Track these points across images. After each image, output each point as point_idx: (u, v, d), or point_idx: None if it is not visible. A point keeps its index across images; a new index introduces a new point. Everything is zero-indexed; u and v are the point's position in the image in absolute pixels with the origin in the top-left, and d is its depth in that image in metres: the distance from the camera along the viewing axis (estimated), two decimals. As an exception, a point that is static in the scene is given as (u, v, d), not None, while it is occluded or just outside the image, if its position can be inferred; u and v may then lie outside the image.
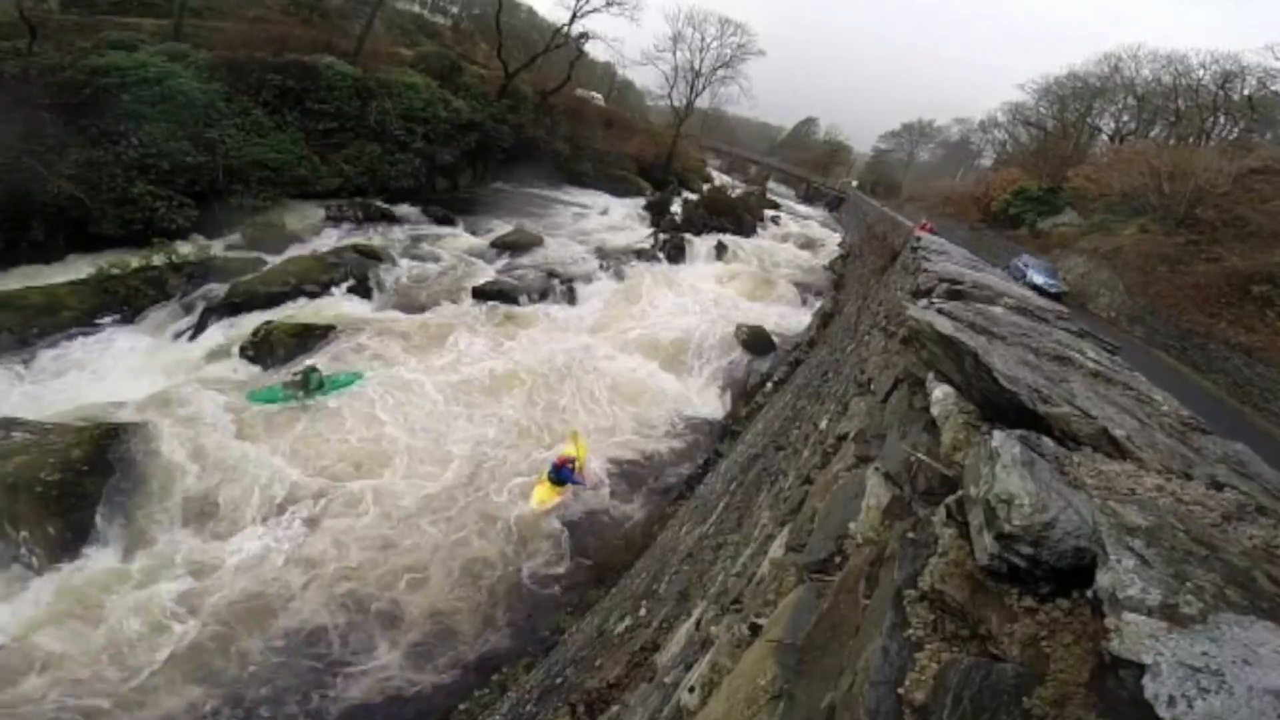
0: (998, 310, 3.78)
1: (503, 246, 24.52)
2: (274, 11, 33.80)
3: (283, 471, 11.28)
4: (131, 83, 20.56)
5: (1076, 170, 32.58)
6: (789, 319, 22.38)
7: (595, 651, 6.43)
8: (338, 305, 17.40)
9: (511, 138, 35.42)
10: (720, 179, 62.39)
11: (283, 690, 8.13)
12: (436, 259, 22.16)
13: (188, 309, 16.08)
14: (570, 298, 21.08)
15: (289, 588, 9.39)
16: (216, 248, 19.33)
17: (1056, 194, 34.69)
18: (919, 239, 16.57)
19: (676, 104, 55.51)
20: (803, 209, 61.41)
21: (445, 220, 26.74)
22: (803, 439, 6.09)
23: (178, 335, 15.38)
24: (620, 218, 35.45)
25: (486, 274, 21.62)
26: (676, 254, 27.86)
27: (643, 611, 6.30)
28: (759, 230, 38.33)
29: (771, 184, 74.60)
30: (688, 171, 54.70)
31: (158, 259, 17.11)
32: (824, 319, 19.92)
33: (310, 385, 13.00)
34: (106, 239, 17.87)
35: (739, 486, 7.59)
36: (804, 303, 24.49)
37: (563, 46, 42.37)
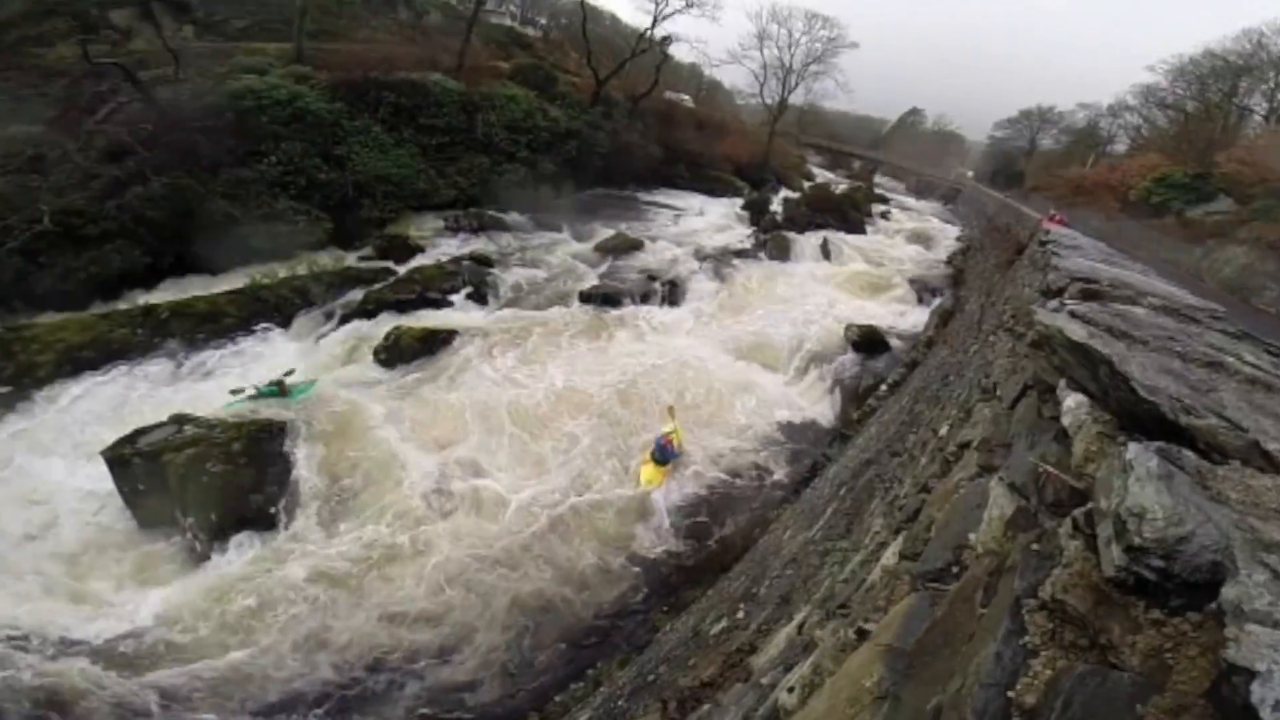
0: (1140, 311, 3.54)
1: (605, 251, 25.14)
2: (380, 32, 36.32)
3: (409, 464, 12.12)
4: (267, 104, 22.79)
5: (1227, 154, 29.07)
6: (904, 318, 21.47)
7: (689, 651, 6.50)
8: (458, 311, 18.54)
9: (607, 143, 36.17)
10: (822, 175, 60.69)
11: (379, 673, 8.69)
12: (544, 265, 23.10)
13: (329, 315, 17.66)
14: (672, 299, 21.33)
15: (402, 575, 10.07)
16: (350, 258, 21.15)
17: (1205, 180, 31.11)
18: (1048, 232, 15.43)
19: (769, 102, 54.51)
20: (914, 202, 58.57)
21: (551, 227, 27.76)
22: (920, 445, 5.90)
23: (320, 339, 16.94)
24: (718, 218, 35.33)
25: (590, 278, 22.26)
26: (780, 253, 27.40)
27: (740, 614, 6.31)
28: (868, 226, 36.94)
29: (878, 178, 71.64)
30: (786, 169, 53.59)
31: (301, 269, 19.01)
32: (943, 317, 18.97)
33: (282, 391, 13.76)
34: (259, 252, 19.79)
35: (849, 492, 7.44)
36: (920, 300, 23.38)
37: (647, 51, 42.85)
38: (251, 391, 13.71)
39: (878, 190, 54.60)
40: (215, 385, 14.65)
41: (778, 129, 54.62)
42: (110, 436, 11.56)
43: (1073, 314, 2.99)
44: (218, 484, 10.90)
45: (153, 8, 27.81)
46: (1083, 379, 2.27)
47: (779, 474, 13.42)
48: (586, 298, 19.98)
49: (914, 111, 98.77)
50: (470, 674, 8.79)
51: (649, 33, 43.26)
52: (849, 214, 35.67)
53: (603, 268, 23.65)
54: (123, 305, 16.88)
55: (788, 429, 15.08)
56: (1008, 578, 1.70)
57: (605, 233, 27.31)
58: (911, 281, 24.84)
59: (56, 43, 24.34)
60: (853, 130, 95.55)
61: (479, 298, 19.41)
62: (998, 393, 4.08)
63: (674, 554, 11.06)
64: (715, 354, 17.91)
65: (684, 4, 42.62)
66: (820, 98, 60.22)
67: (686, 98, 57.25)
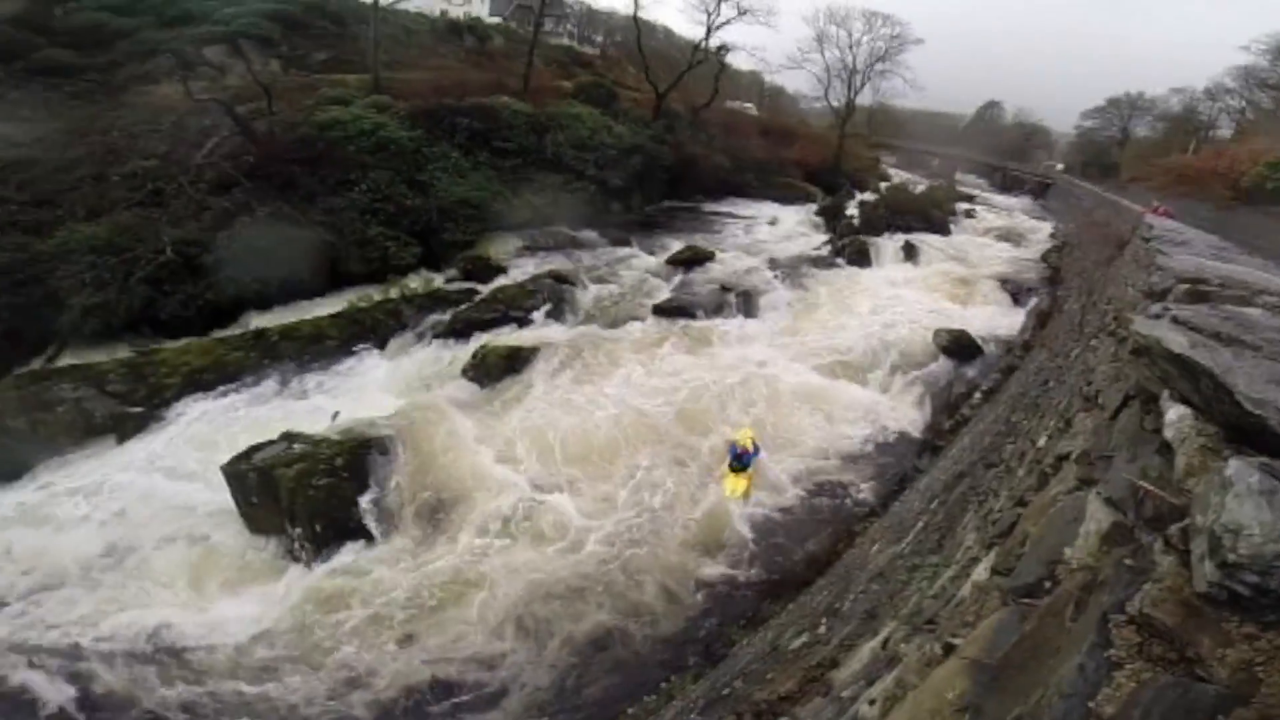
0: (1254, 313, 3.33)
1: (676, 264, 25.25)
2: (448, 59, 38.00)
3: (494, 483, 12.54)
4: (353, 134, 24.17)
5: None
6: (997, 320, 20.52)
7: (767, 666, 6.46)
8: (539, 328, 19.05)
9: (671, 156, 36.46)
10: (899, 176, 58.84)
11: (453, 685, 8.99)
12: (619, 280, 23.50)
13: (420, 336, 18.50)
14: (747, 310, 21.16)
15: (482, 586, 10.42)
16: (438, 280, 22.15)
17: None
18: (1150, 226, 14.44)
19: (835, 104, 53.34)
20: (1001, 199, 55.87)
21: (623, 242, 28.17)
22: (1017, 457, 5.68)
23: (414, 359, 17.77)
24: (791, 226, 34.86)
25: (664, 292, 22.47)
26: (859, 258, 26.74)
27: (822, 629, 6.24)
28: (952, 226, 35.53)
29: (960, 175, 68.72)
30: (860, 172, 52.23)
31: (393, 293, 20.06)
32: (1040, 319, 18.07)
33: None
34: (354, 276, 21.11)
35: (941, 506, 7.21)
36: (1015, 302, 22.31)
37: (704, 62, 42.89)
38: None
39: (960, 188, 52.44)
40: (320, 403, 15.71)
41: (848, 131, 53.35)
42: (228, 453, 12.55)
43: (1176, 320, 2.87)
44: (322, 496, 11.55)
45: (241, 44, 30.35)
46: (1185, 390, 2.20)
47: (865, 487, 13.09)
48: (660, 312, 20.15)
49: (992, 104, 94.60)
50: (532, 687, 8.98)
51: (704, 44, 43.41)
52: (931, 214, 34.43)
53: (675, 281, 23.79)
54: (237, 329, 18.43)
55: (873, 441, 14.68)
56: (1098, 592, 1.70)
57: (675, 246, 27.44)
58: (1004, 282, 23.70)
59: (161, 80, 26.62)
60: (928, 127, 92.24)
61: (558, 315, 19.93)
62: (1099, 401, 3.92)
63: (752, 569, 10.98)
64: (793, 365, 17.62)
65: (736, 13, 42.59)
66: (889, 96, 58.49)
67: (750, 105, 56.98)
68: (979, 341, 17.96)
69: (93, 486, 13.00)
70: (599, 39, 64.21)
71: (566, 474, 12.86)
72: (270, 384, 16.34)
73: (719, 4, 42.20)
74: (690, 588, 10.54)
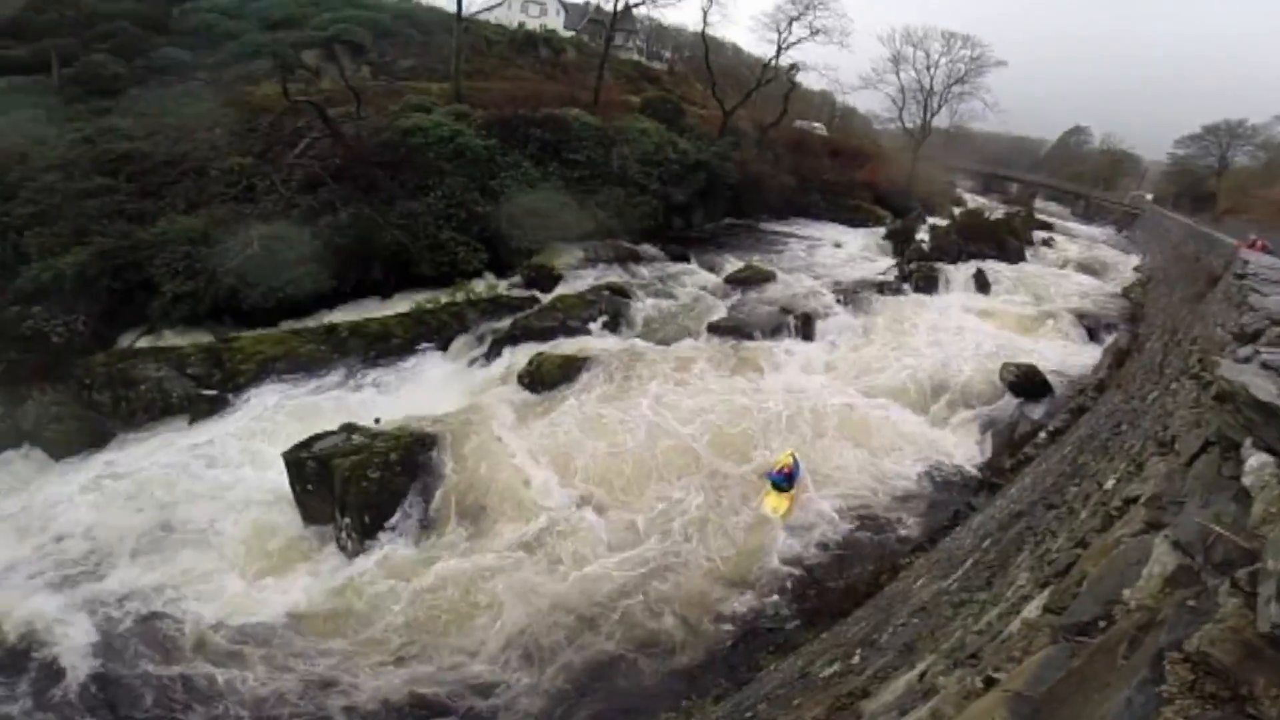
0: (1355, 361, 3.10)
1: (735, 282, 25.11)
2: (524, 70, 39.00)
3: (538, 490, 12.64)
4: (433, 141, 25.06)
5: None
6: (1070, 358, 19.50)
7: (794, 692, 6.33)
8: (594, 339, 19.25)
9: (737, 174, 36.33)
10: (974, 201, 57.14)
11: (471, 688, 9.09)
12: (675, 296, 23.53)
13: (480, 340, 19.01)
14: (805, 333, 20.73)
15: (512, 593, 10.50)
16: (502, 286, 22.73)
17: None
18: (1245, 262, 13.57)
19: (909, 126, 52.10)
20: (1082, 228, 53.54)
21: (682, 258, 28.25)
22: (1081, 498, 5.42)
23: (472, 362, 18.29)
24: (857, 249, 34.24)
25: (720, 310, 22.33)
26: (926, 285, 25.95)
27: (856, 659, 6.09)
28: (1028, 255, 34.17)
29: (1039, 202, 66.26)
30: (933, 195, 50.91)
31: (459, 296, 20.71)
32: (1117, 358, 17.15)
33: None
34: (423, 278, 21.90)
35: (993, 544, 6.94)
36: (1091, 338, 21.20)
37: (773, 80, 42.61)
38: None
39: (1039, 215, 50.45)
40: (381, 399, 16.33)
41: (921, 153, 52.08)
42: (290, 440, 13.19)
43: (1265, 365, 2.70)
44: (374, 489, 11.96)
45: (335, 49, 32.02)
46: (1270, 439, 2.08)
47: (913, 522, 12.66)
48: (715, 330, 19.98)
49: (1077, 130, 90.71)
50: (553, 696, 9.00)
51: (774, 62, 43.23)
52: (1006, 242, 33.16)
53: (732, 300, 23.65)
54: (310, 323, 19.36)
55: (928, 475, 14.17)
56: (1155, 631, 1.62)
57: (735, 264, 27.39)
58: (1080, 317, 22.56)
59: (262, 81, 28.30)
60: (1007, 152, 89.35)
61: (613, 327, 20.11)
62: (1175, 446, 3.71)
63: (785, 598, 10.76)
64: (849, 392, 17.18)
65: (808, 33, 42.21)
66: (967, 119, 56.73)
67: (819, 125, 56.30)
68: (1049, 378, 17.13)
69: (160, 463, 13.93)
70: (667, 54, 64.89)
71: (602, 492, 12.81)
72: (336, 377, 17.13)
73: (790, 23, 42.10)
74: (713, 617, 10.31)
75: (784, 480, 12.64)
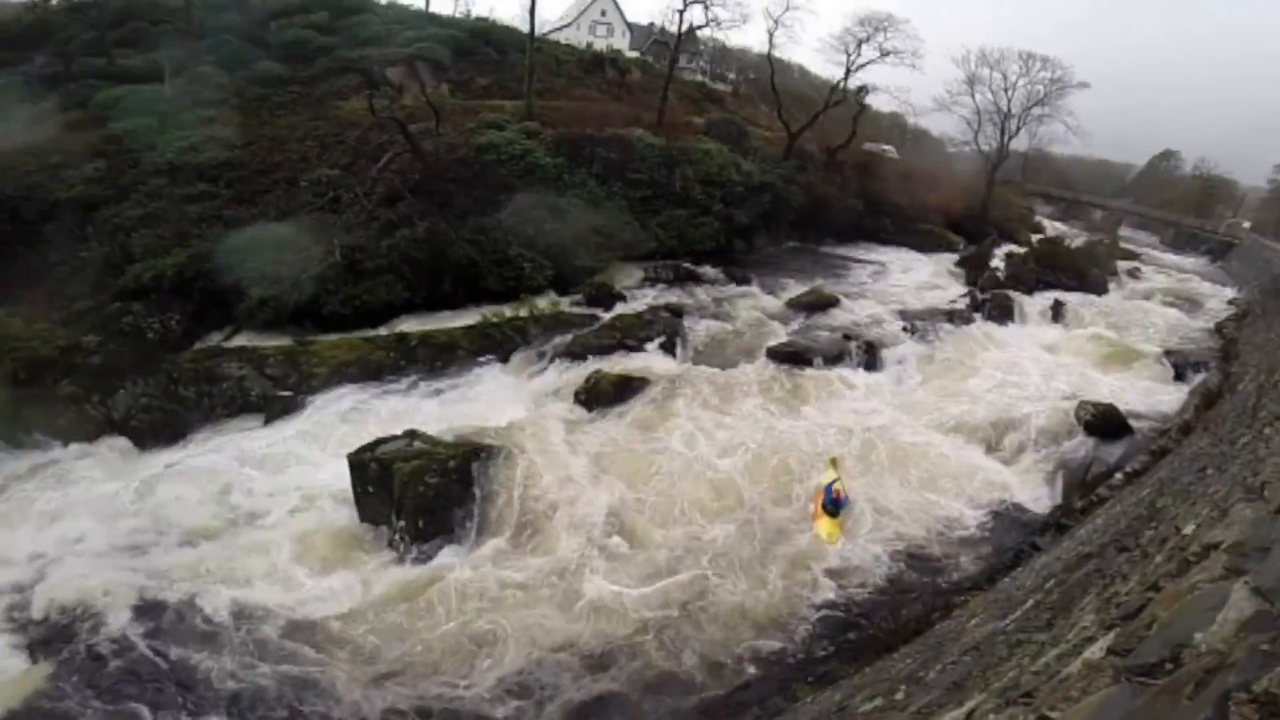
0: None
1: (797, 307, 24.77)
2: (592, 91, 39.76)
3: (585, 507, 12.71)
4: (505, 158, 25.90)
5: None
6: (1153, 396, 18.37)
7: None
8: (650, 359, 19.23)
9: (802, 197, 35.93)
10: (1054, 228, 54.76)
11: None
12: (734, 318, 23.36)
13: (541, 355, 19.31)
14: (869, 362, 20.12)
15: (555, 610, 10.61)
16: (564, 303, 23.10)
17: None
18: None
19: (985, 149, 50.29)
20: (1171, 258, 50.63)
21: (743, 280, 28.05)
22: (1157, 543, 5.13)
23: (532, 376, 18.59)
24: (927, 275, 33.28)
25: (780, 334, 21.99)
26: (1000, 315, 24.90)
27: (900, 695, 5.91)
28: (1111, 286, 32.46)
29: (1124, 230, 62.93)
30: (1009, 221, 48.93)
31: (523, 311, 21.20)
32: (1205, 399, 16.07)
33: None
34: (490, 292, 22.59)
35: (1057, 585, 6.62)
36: (1177, 377, 19.87)
37: (842, 102, 42.05)
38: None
39: (1124, 244, 47.90)
40: (444, 408, 16.86)
41: (998, 178, 50.17)
42: (356, 442, 13.78)
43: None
44: (430, 495, 12.34)
45: (417, 66, 33.50)
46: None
47: (971, 560, 12.15)
48: (774, 355, 19.63)
49: (1167, 155, 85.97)
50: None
51: (842, 84, 42.72)
52: (1087, 271, 31.60)
53: (794, 324, 23.30)
54: (382, 331, 20.25)
55: (990, 513, 13.58)
56: (1224, 673, 1.53)
57: (798, 288, 27.00)
58: (1167, 353, 21.22)
59: (350, 96, 29.81)
60: (1090, 177, 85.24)
61: (670, 348, 20.02)
62: (1265, 494, 3.47)
63: (829, 629, 10.49)
64: (914, 424, 16.63)
65: (878, 54, 41.47)
66: (1047, 142, 54.13)
67: (889, 148, 55.16)
68: (1128, 419, 16.17)
69: (233, 457, 14.81)
70: (731, 76, 65.11)
71: (643, 515, 12.74)
72: (403, 384, 17.80)
73: (859, 45, 41.47)
74: (747, 649, 10.08)
75: (834, 505, 12.47)
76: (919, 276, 32.92)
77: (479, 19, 45.08)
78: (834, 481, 12.83)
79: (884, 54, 41.33)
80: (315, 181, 24.31)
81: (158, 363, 17.26)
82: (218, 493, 13.63)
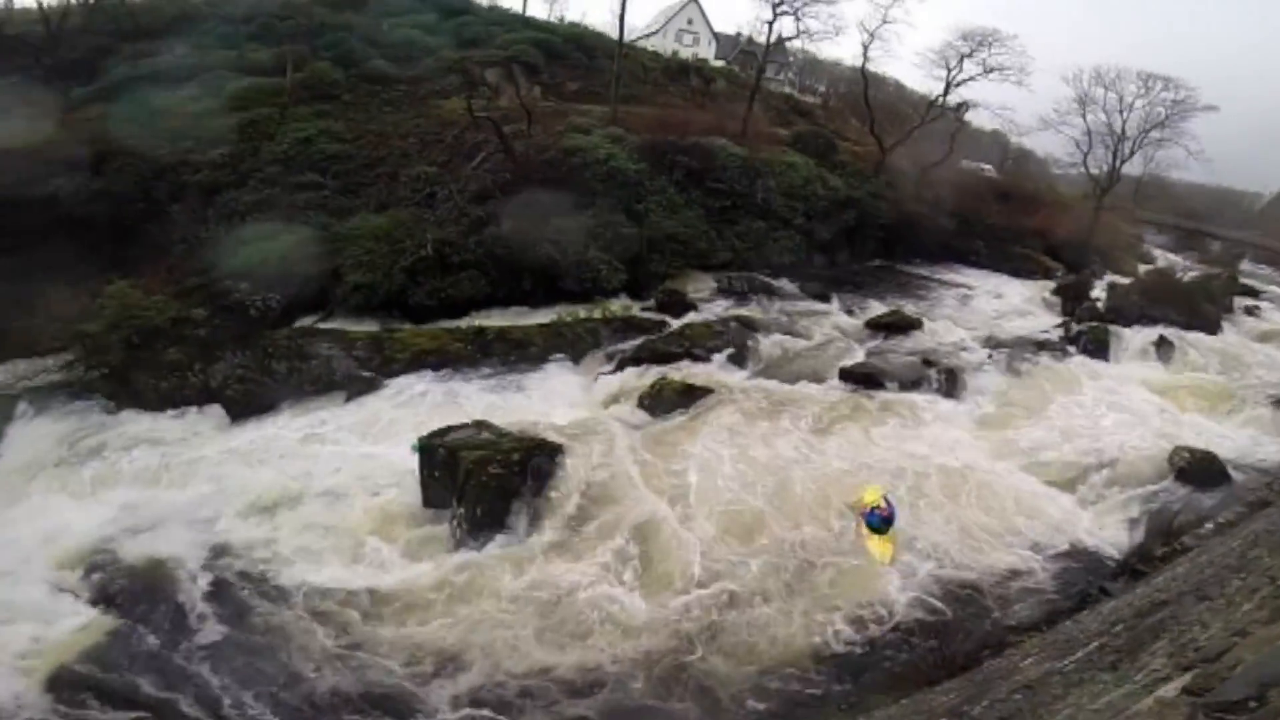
0: None
1: (876, 327, 23.91)
2: (675, 98, 39.80)
3: (637, 508, 12.85)
4: (589, 162, 26.33)
5: None
6: (1259, 445, 16.89)
7: None
8: (717, 370, 19.15)
9: (890, 214, 34.79)
10: (1165, 258, 50.85)
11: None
12: (808, 335, 22.77)
13: (609, 358, 19.67)
14: (948, 389, 19.18)
15: (585, 615, 10.73)
16: (636, 308, 23.46)
17: None
18: None
19: (1094, 172, 47.08)
20: (1299, 298, 45.77)
21: (820, 296, 27.48)
22: (1246, 592, 4.77)
23: (600, 378, 18.89)
24: (1019, 302, 31.55)
25: (856, 355, 21.27)
26: (1097, 349, 23.28)
27: None
28: (1225, 324, 29.76)
29: (1245, 264, 57.59)
30: (1114, 250, 45.67)
31: (596, 313, 21.69)
32: (1317, 453, 14.64)
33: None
34: (566, 293, 23.22)
35: (1126, 630, 6.25)
36: (1289, 426, 18.12)
37: (939, 119, 40.53)
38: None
39: (1244, 280, 43.85)
40: (513, 401, 17.43)
41: (1106, 203, 46.90)
42: (427, 427, 14.50)
43: None
44: (492, 485, 12.77)
45: (513, 69, 34.59)
46: None
47: (1032, 599, 11.56)
48: (846, 375, 19.09)
49: (1301, 186, 77.99)
50: None
51: (940, 100, 41.15)
52: (1199, 307, 29.04)
53: (870, 345, 22.48)
54: (462, 324, 21.09)
55: (1059, 554, 12.78)
56: None
57: (879, 308, 26.21)
58: (1278, 402, 19.37)
59: (451, 95, 30.94)
60: (1211, 205, 78.32)
61: (738, 360, 19.82)
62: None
63: (867, 657, 10.25)
64: (990, 459, 15.77)
65: (981, 70, 39.64)
66: (1165, 167, 50.05)
67: (988, 167, 52.66)
68: (1227, 467, 14.89)
69: (315, 433, 15.95)
70: (821, 88, 63.93)
71: (690, 527, 12.61)
72: (477, 376, 18.51)
73: (960, 60, 39.85)
74: (780, 674, 9.92)
75: (882, 522, 12.20)
76: (1010, 303, 31.27)
77: (572, 24, 45.92)
78: (872, 503, 12.50)
79: (987, 70, 39.58)
80: (414, 177, 25.56)
81: (256, 338, 18.74)
82: (295, 463, 14.69)
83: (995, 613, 11.21)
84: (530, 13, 45.87)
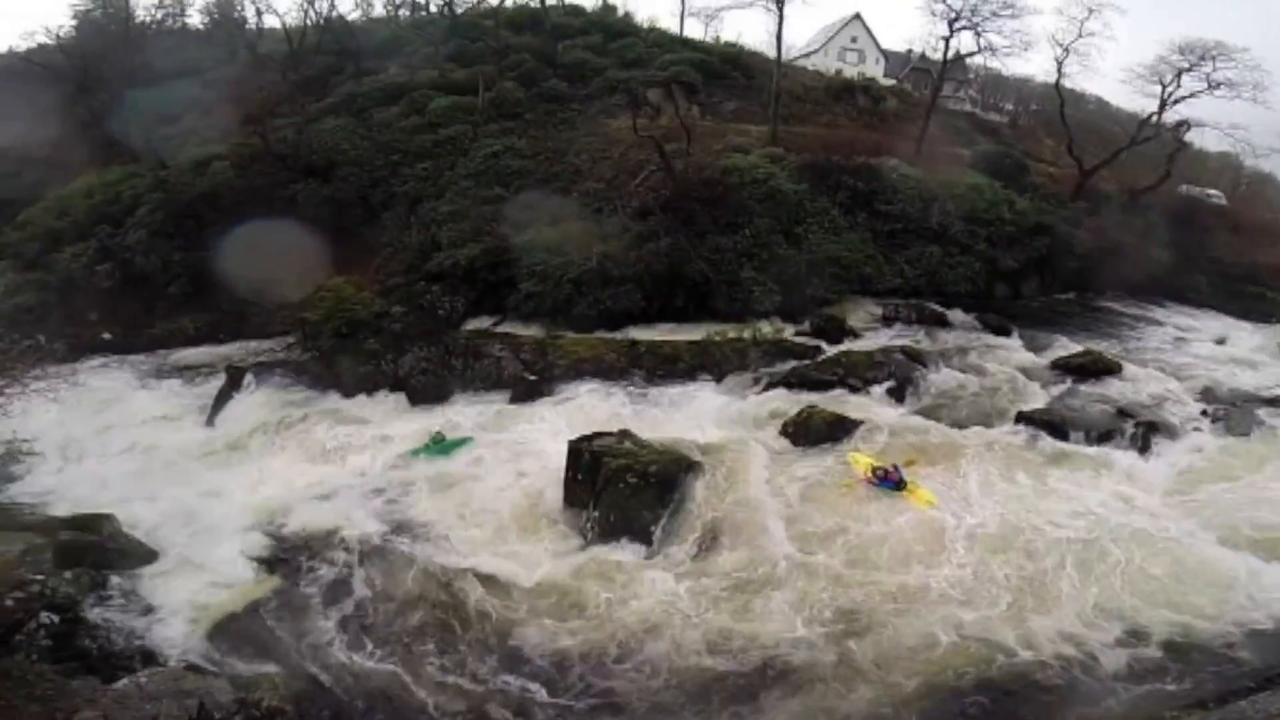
0: None
1: (1065, 369, 21.10)
2: (840, 118, 38.34)
3: (768, 536, 12.74)
4: (747, 182, 26.22)
5: None
6: None
7: None
8: (873, 403, 18.24)
9: (1088, 243, 30.89)
10: None
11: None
12: (982, 372, 20.75)
13: (756, 380, 19.47)
14: (1143, 445, 16.64)
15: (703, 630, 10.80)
16: (788, 331, 23.02)
17: None
18: None
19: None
20: None
21: (1000, 330, 24.93)
22: None
23: (744, 400, 18.74)
24: (1246, 350, 26.42)
25: (1037, 398, 19.07)
26: (1347, 409, 19.09)
27: None
28: None
29: None
30: (1382, 294, 37.04)
31: (746, 334, 21.58)
32: None
33: (434, 445, 15.86)
34: (717, 311, 23.42)
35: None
36: None
37: (1153, 139, 35.23)
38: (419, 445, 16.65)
39: None
40: (658, 416, 17.93)
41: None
42: (577, 431, 15.47)
43: None
44: (627, 493, 13.33)
45: (673, 89, 35.26)
46: None
47: (1207, 675, 10.09)
48: (1026, 419, 17.17)
49: None
50: None
51: (1154, 118, 35.76)
52: None
53: (1057, 389, 19.92)
54: (617, 335, 22.12)
55: (1253, 631, 10.85)
56: None
57: (1069, 347, 23.01)
58: None
59: (617, 115, 32.47)
60: None
61: (899, 394, 18.70)
62: None
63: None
64: (1193, 527, 13.41)
65: (1204, 86, 33.83)
66: None
67: (1215, 193, 44.81)
68: None
69: (479, 426, 17.50)
70: (1008, 106, 58.31)
71: (815, 562, 12.21)
72: (627, 387, 19.26)
73: (1178, 76, 34.44)
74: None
75: (896, 485, 13.75)
76: (1235, 350, 26.33)
77: (728, 44, 45.79)
78: (878, 468, 14.01)
79: (1212, 86, 33.95)
80: (584, 193, 27.16)
81: (440, 335, 21.00)
82: (464, 455, 16.24)
83: (1155, 683, 10.04)
84: (687, 34, 46.60)
